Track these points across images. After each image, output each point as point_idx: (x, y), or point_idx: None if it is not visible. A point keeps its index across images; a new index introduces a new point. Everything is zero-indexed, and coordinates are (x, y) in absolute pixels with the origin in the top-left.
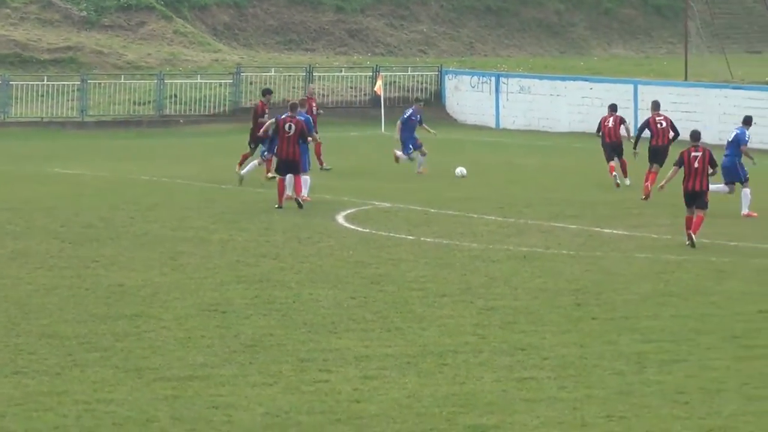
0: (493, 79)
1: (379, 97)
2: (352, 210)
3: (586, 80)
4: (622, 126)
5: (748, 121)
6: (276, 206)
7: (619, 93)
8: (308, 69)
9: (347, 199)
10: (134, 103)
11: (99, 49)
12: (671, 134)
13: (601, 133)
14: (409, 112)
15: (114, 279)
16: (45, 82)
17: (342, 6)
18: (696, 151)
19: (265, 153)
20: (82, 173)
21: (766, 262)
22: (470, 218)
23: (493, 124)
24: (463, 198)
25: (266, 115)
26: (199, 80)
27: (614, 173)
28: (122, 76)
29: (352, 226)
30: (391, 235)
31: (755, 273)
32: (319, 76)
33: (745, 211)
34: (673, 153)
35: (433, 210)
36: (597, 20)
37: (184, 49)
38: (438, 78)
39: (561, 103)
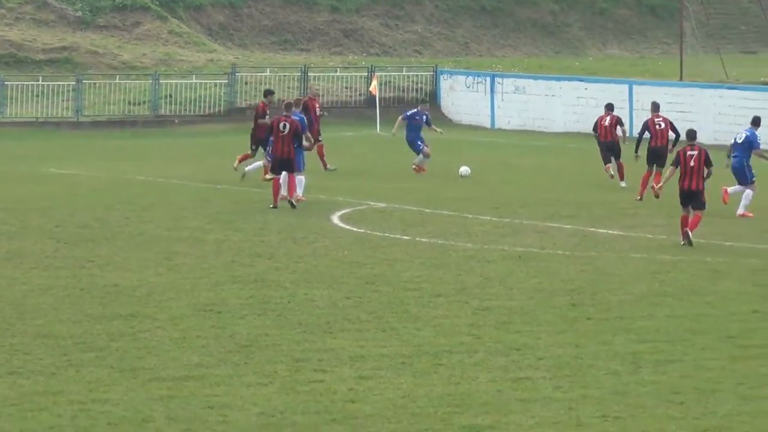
0: (488, 79)
1: (375, 97)
2: (348, 210)
3: (581, 80)
4: (618, 128)
5: (757, 122)
6: (271, 206)
7: (614, 93)
8: (303, 69)
9: (342, 199)
10: (129, 103)
11: (94, 49)
12: (672, 135)
13: (596, 133)
14: (413, 111)
15: (109, 279)
16: (40, 82)
17: (337, 6)
18: (692, 150)
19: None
20: (78, 173)
21: (762, 262)
22: (465, 218)
23: (488, 125)
24: (458, 198)
25: (267, 116)
26: (194, 80)
27: (609, 170)
28: (117, 76)
29: (348, 226)
30: (386, 235)
31: (750, 273)
32: (315, 77)
33: (741, 211)
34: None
35: (428, 210)
36: (592, 20)
37: (179, 50)
38: (433, 78)
39: (556, 104)
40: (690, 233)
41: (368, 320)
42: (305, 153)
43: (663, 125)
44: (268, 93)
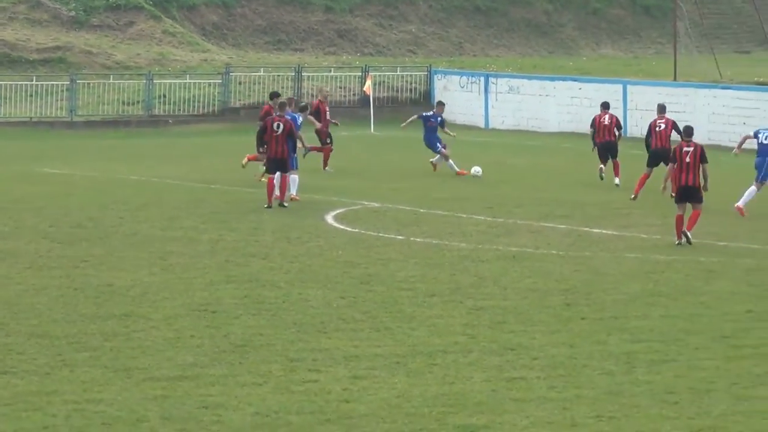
0: (482, 79)
1: (369, 97)
2: (342, 210)
3: (575, 80)
4: (616, 130)
5: None
6: (265, 206)
7: (608, 93)
8: (297, 69)
9: (337, 199)
10: (123, 103)
11: (88, 49)
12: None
13: (594, 130)
14: (430, 113)
15: (103, 279)
16: (34, 82)
17: (331, 6)
18: (688, 146)
19: None
20: (71, 173)
21: (756, 262)
22: (459, 218)
23: (482, 124)
24: (452, 198)
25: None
26: (188, 80)
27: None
28: (111, 76)
29: (342, 226)
30: (381, 235)
31: (744, 273)
32: (308, 76)
33: (739, 203)
34: None
35: (422, 210)
36: (586, 20)
37: (173, 49)
38: (427, 78)
39: (550, 103)
40: (689, 233)
41: (363, 320)
42: (310, 153)
43: (664, 126)
44: (275, 95)
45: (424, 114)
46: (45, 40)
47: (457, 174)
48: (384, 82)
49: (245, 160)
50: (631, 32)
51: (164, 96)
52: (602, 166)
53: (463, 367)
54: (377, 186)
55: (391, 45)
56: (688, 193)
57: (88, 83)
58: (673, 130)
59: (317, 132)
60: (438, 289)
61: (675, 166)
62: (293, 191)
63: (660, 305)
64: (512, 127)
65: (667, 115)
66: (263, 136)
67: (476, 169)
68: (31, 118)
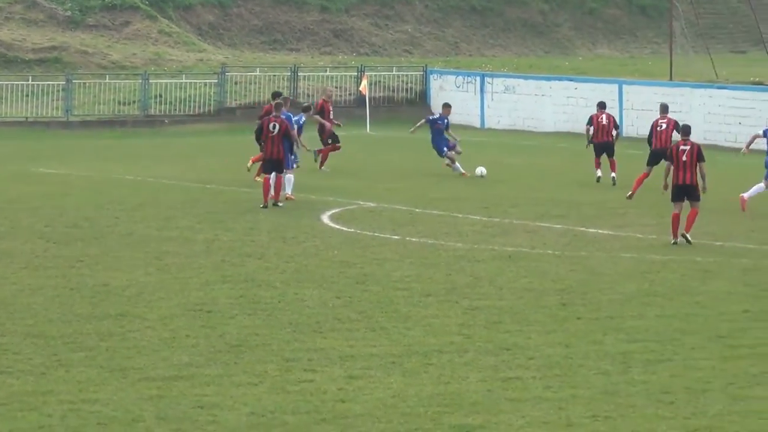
0: (478, 78)
1: (365, 96)
2: (338, 210)
3: (571, 80)
4: (614, 129)
5: None
6: (261, 206)
7: (604, 93)
8: (293, 69)
9: (332, 198)
10: (119, 102)
11: (84, 48)
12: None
13: (592, 129)
14: (437, 115)
15: (99, 279)
16: (30, 82)
17: (327, 6)
18: (685, 144)
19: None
20: (67, 173)
21: (752, 262)
22: (455, 218)
23: (478, 124)
24: (448, 198)
25: None
26: (183, 80)
27: (599, 172)
28: (107, 75)
29: (337, 226)
30: (376, 234)
31: (740, 273)
32: (304, 76)
33: (745, 195)
34: None
35: (418, 210)
36: (582, 20)
37: (168, 49)
38: (423, 78)
39: (546, 103)
40: (688, 235)
41: (358, 320)
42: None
43: (665, 126)
44: (277, 95)
45: (430, 117)
46: (41, 40)
47: (462, 175)
48: (380, 82)
49: (250, 162)
50: (627, 32)
51: (160, 96)
52: (599, 172)
53: (458, 367)
54: (373, 186)
55: (387, 45)
56: (685, 192)
57: (84, 83)
58: (675, 131)
59: (319, 132)
60: (434, 289)
61: (671, 164)
62: (288, 191)
63: (656, 305)
64: (508, 126)
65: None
66: (260, 136)
67: (480, 170)
68: (27, 118)
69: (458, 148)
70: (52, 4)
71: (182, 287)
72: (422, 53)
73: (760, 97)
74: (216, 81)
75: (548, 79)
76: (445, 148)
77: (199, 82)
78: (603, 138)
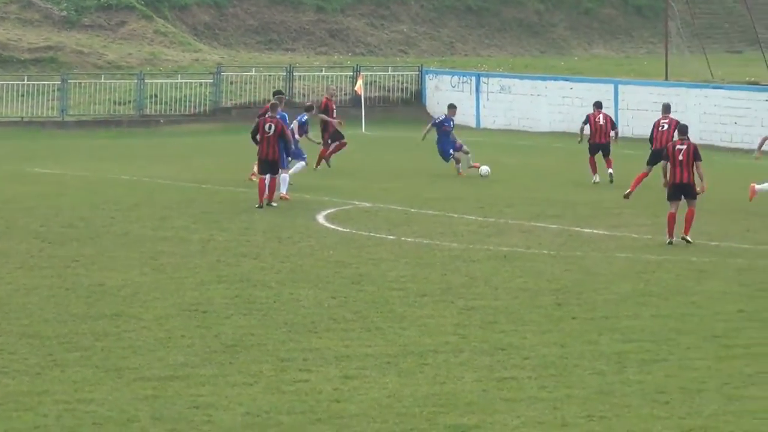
0: (473, 78)
1: (360, 96)
2: (333, 210)
3: (566, 80)
4: (612, 130)
5: None
6: (256, 206)
7: (600, 93)
8: (289, 69)
9: (328, 198)
10: (114, 102)
11: (79, 48)
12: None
13: (588, 129)
14: (442, 117)
15: (94, 279)
16: (25, 82)
17: (322, 6)
18: (681, 144)
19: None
20: (63, 173)
21: (747, 262)
22: (451, 218)
23: (473, 124)
24: (443, 198)
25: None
26: (179, 80)
27: (597, 177)
28: (102, 75)
29: (333, 226)
30: (372, 234)
31: (736, 273)
32: (300, 76)
33: (757, 186)
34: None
35: (413, 210)
36: (577, 20)
37: (164, 49)
38: (418, 78)
39: (541, 103)
40: (687, 237)
41: (353, 320)
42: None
43: (667, 127)
44: (278, 94)
45: (436, 120)
46: (36, 39)
47: (458, 174)
48: (375, 81)
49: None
50: (622, 32)
51: (155, 96)
52: (597, 177)
53: (454, 367)
54: (368, 186)
55: (383, 45)
56: (682, 190)
57: (80, 83)
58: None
59: (322, 130)
60: (429, 289)
61: (668, 162)
62: (283, 190)
63: (651, 305)
64: (503, 126)
65: (656, 114)
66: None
67: (485, 169)
68: (22, 117)
69: (465, 148)
70: (47, 4)
71: (178, 287)
72: (418, 53)
73: (755, 97)
74: (211, 81)
75: (544, 79)
76: (452, 150)
77: (195, 82)
78: (600, 139)
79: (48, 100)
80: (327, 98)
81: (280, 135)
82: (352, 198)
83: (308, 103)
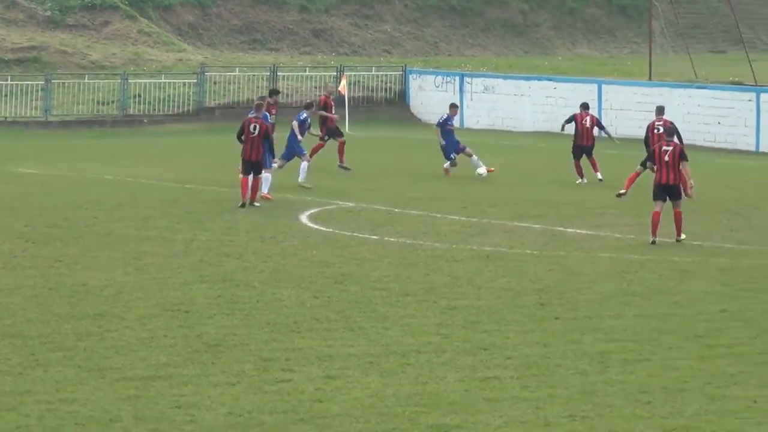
0: (457, 78)
1: (344, 96)
2: (316, 209)
3: (550, 80)
4: (599, 129)
5: None
6: (239, 204)
7: (584, 93)
8: (272, 69)
9: (311, 198)
10: (98, 102)
11: (63, 48)
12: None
13: (574, 129)
14: (445, 116)
15: (77, 279)
16: (9, 82)
17: (306, 6)
18: (667, 145)
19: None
20: (46, 173)
21: (729, 261)
22: (434, 218)
23: (457, 124)
24: (427, 198)
25: (273, 116)
26: (163, 80)
27: (584, 180)
28: (86, 75)
29: (316, 226)
30: (355, 234)
31: (718, 273)
32: (284, 76)
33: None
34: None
35: (396, 210)
36: (561, 20)
37: (148, 49)
38: (402, 78)
39: (525, 103)
40: (680, 238)
41: (336, 320)
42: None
43: (661, 129)
44: (274, 93)
45: (440, 120)
46: (20, 39)
47: (445, 171)
48: (359, 81)
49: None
50: (606, 32)
51: (139, 96)
52: (584, 180)
53: (436, 367)
54: (352, 186)
55: (367, 45)
56: (667, 191)
57: (63, 83)
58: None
59: (321, 126)
60: (412, 289)
61: (654, 164)
62: (265, 190)
63: (634, 305)
64: (487, 126)
65: (639, 114)
66: (241, 136)
67: (481, 170)
68: (5, 117)
69: (467, 150)
70: (31, 4)
71: (160, 287)
72: (401, 53)
73: (739, 97)
74: (195, 81)
75: (527, 78)
76: (454, 152)
77: (179, 82)
78: (586, 142)
79: (32, 100)
80: (326, 96)
81: (265, 136)
82: (336, 198)
83: (308, 101)
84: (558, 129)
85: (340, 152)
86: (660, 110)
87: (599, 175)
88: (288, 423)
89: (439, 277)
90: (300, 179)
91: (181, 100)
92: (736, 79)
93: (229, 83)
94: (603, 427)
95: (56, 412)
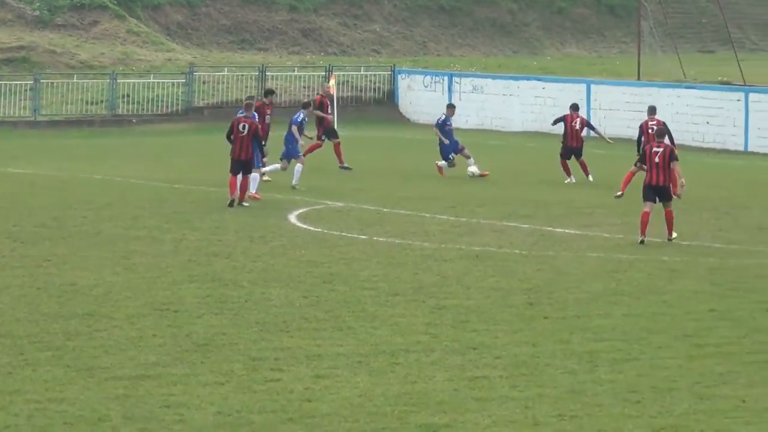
0: (446, 78)
1: (332, 96)
2: (305, 209)
3: (539, 80)
4: (590, 130)
5: None
6: (228, 203)
7: (572, 93)
8: (261, 68)
9: (300, 198)
10: (87, 102)
11: (52, 48)
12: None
13: (564, 130)
14: (443, 117)
15: (66, 278)
16: None
17: (295, 5)
18: (658, 147)
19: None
20: (35, 173)
21: (718, 261)
22: (423, 217)
23: None
24: (415, 197)
25: (268, 116)
26: (152, 80)
27: (573, 179)
28: (75, 75)
29: (305, 226)
30: (344, 234)
31: (707, 272)
32: (272, 76)
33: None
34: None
35: (385, 209)
36: (550, 20)
37: (137, 49)
38: (391, 77)
39: (514, 103)
40: (672, 237)
41: (325, 319)
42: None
43: (655, 128)
44: (269, 93)
45: (439, 122)
46: (9, 39)
47: (438, 168)
48: (348, 81)
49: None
50: (595, 32)
51: (128, 95)
52: (573, 179)
53: (425, 366)
54: (341, 185)
55: (356, 44)
56: (657, 192)
57: (52, 83)
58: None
59: (317, 126)
60: (401, 289)
61: (643, 164)
62: (253, 190)
63: (623, 304)
64: (476, 126)
65: (628, 114)
66: (229, 134)
67: (472, 169)
68: None
69: (466, 151)
70: (20, 4)
71: (149, 286)
72: (390, 53)
73: (728, 97)
74: (184, 81)
75: (516, 78)
76: (452, 153)
77: (167, 82)
78: (575, 143)
79: (20, 100)
80: (321, 95)
81: (254, 135)
82: (325, 198)
83: (305, 101)
84: (547, 128)
85: (338, 153)
86: (652, 110)
87: (590, 178)
88: (277, 422)
89: (428, 276)
90: (293, 182)
91: (169, 100)
92: (725, 78)
93: (218, 83)
94: (592, 426)
95: (45, 411)
